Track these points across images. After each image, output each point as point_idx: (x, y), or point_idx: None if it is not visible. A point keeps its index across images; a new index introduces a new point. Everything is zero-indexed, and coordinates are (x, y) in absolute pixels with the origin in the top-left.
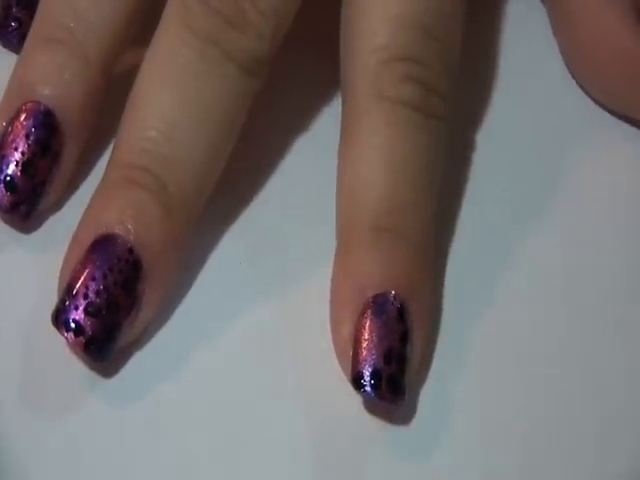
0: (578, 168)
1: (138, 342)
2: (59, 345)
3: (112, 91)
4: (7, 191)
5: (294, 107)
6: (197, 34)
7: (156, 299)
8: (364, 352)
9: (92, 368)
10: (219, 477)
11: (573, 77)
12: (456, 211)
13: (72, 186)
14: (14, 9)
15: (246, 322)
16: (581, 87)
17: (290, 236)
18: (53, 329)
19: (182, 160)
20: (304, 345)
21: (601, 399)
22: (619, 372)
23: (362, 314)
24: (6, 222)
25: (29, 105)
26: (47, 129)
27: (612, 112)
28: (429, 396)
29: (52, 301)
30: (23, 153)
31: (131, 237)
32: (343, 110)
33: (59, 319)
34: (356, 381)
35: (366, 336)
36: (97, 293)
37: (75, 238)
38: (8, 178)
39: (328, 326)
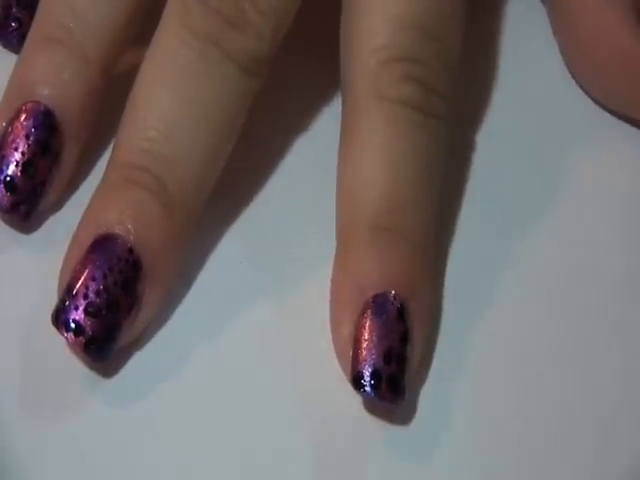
0: (578, 168)
1: (138, 342)
2: (59, 345)
3: (112, 91)
4: (7, 191)
5: (294, 107)
6: (197, 34)
7: (156, 299)
8: (364, 352)
9: (92, 368)
10: (219, 477)
11: (573, 77)
12: (456, 211)
13: (72, 186)
14: (14, 9)
15: (246, 322)
16: (581, 87)
17: (290, 236)
18: (53, 329)
19: (182, 160)
20: (304, 345)
21: (601, 399)
22: (619, 372)
23: (362, 314)
24: (6, 222)
25: (29, 105)
26: (47, 129)
27: (612, 112)
28: (429, 396)
29: (52, 301)
30: (23, 153)
31: (131, 237)
32: (343, 110)
33: (59, 319)
34: (356, 381)
35: (366, 336)
36: (97, 293)
37: (75, 238)
38: (8, 178)
39: (328, 326)
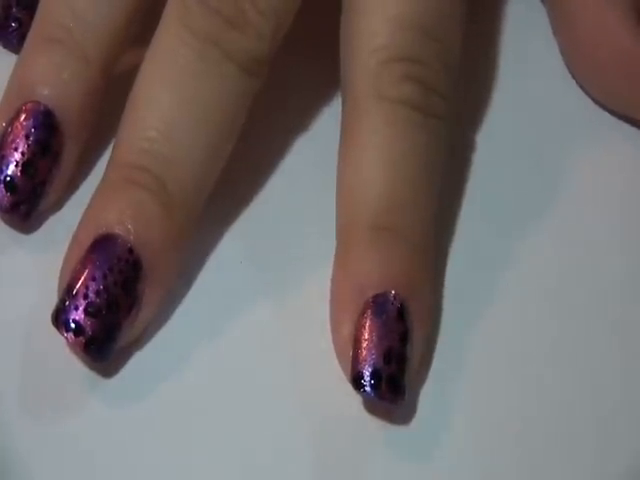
0: (578, 168)
1: (138, 342)
2: (59, 345)
3: (112, 91)
4: (7, 191)
5: (294, 107)
6: (196, 34)
7: (156, 299)
8: (364, 352)
9: (92, 368)
10: (219, 477)
11: (573, 77)
12: (456, 211)
13: (72, 186)
14: (14, 9)
15: (246, 322)
16: (581, 87)
17: (290, 236)
18: (53, 329)
19: (182, 160)
20: (304, 345)
21: (601, 399)
22: (619, 372)
23: (362, 314)
24: (6, 222)
25: (29, 105)
26: (47, 129)
27: (612, 112)
28: (429, 396)
29: (52, 301)
30: (23, 153)
31: (131, 237)
32: (343, 110)
33: (59, 319)
34: (356, 381)
35: (366, 336)
36: (97, 293)
37: (75, 238)
38: (8, 178)
39: (328, 326)
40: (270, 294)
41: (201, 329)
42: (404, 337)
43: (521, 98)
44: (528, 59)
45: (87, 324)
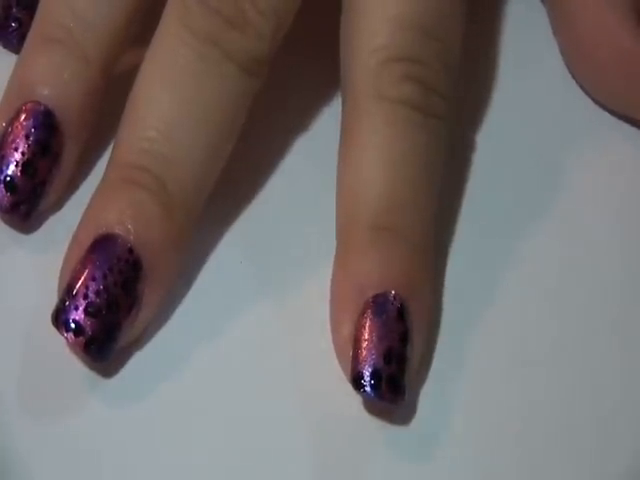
0: (578, 168)
1: (138, 342)
2: (59, 345)
3: (112, 91)
4: (7, 191)
5: (294, 107)
6: (196, 34)
7: (156, 299)
8: (364, 352)
9: (92, 368)
10: (219, 477)
11: (573, 77)
12: (456, 211)
13: (72, 186)
14: (14, 9)
15: (246, 322)
16: (581, 87)
17: (290, 236)
18: (53, 329)
19: (182, 160)
20: (304, 345)
21: (601, 399)
22: (619, 372)
23: (362, 314)
24: (6, 222)
25: (29, 105)
26: (47, 129)
27: (612, 112)
28: (429, 396)
29: (52, 301)
30: (23, 153)
31: (131, 237)
32: (343, 110)
33: (59, 319)
34: (356, 381)
35: (366, 336)
36: (97, 293)
37: (75, 238)
38: (8, 178)
39: (328, 326)
40: (270, 294)
41: (201, 329)
42: (404, 337)
43: (521, 98)
44: (528, 59)
45: (87, 324)
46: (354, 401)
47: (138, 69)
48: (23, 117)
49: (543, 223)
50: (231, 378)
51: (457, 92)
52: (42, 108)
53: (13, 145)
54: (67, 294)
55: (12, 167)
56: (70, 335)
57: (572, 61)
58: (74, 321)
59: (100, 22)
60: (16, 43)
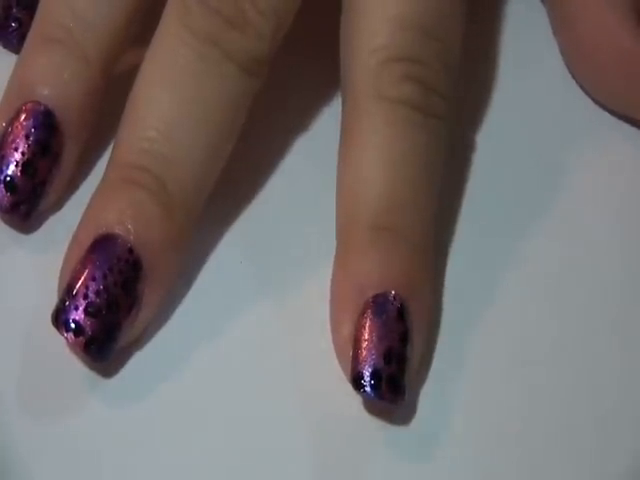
0: (578, 168)
1: (138, 342)
2: (59, 345)
3: (112, 91)
4: (7, 191)
5: (294, 107)
6: (196, 34)
7: (156, 299)
8: (364, 352)
9: (92, 368)
10: (219, 477)
11: (573, 77)
12: (456, 211)
13: (72, 186)
14: (14, 9)
15: (246, 322)
16: (581, 87)
17: (290, 236)
18: (53, 329)
19: (182, 160)
20: (304, 345)
21: (601, 399)
22: (619, 372)
23: (362, 314)
24: (6, 222)
25: (29, 105)
26: (47, 129)
27: (612, 112)
28: (429, 396)
29: (52, 301)
30: (23, 153)
31: (131, 237)
32: (343, 110)
33: (59, 319)
34: (356, 381)
35: (366, 336)
36: (97, 293)
37: (75, 238)
38: (8, 178)
39: (328, 326)
40: (270, 294)
41: (201, 329)
42: (404, 337)
43: (521, 98)
44: (528, 59)
45: (87, 324)
46: (354, 401)
47: (138, 69)
48: (23, 117)
49: (543, 223)
50: (231, 378)
51: (457, 92)
52: (42, 108)
53: (13, 145)
54: (67, 294)
55: (12, 167)
56: (70, 335)
57: (572, 61)
58: (74, 321)
59: (100, 22)
60: (16, 43)
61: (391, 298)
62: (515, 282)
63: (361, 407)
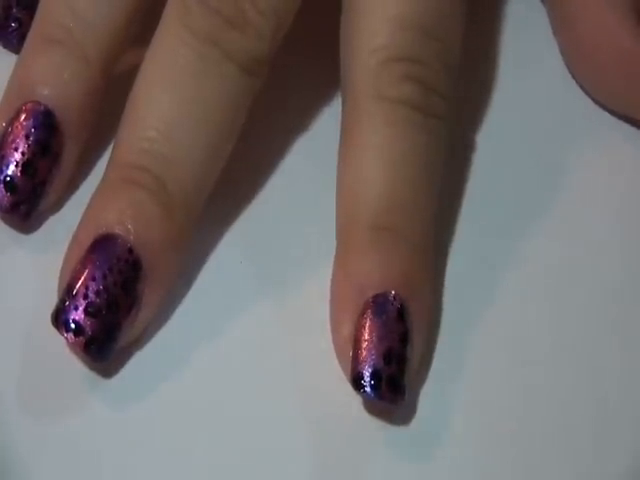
0: (578, 168)
1: (138, 342)
2: (59, 345)
3: (112, 91)
4: (7, 191)
5: (294, 107)
6: (196, 34)
7: (156, 299)
8: (364, 352)
9: (92, 368)
10: (219, 477)
11: (573, 77)
12: (456, 211)
13: (72, 186)
14: (14, 9)
15: (246, 322)
16: (581, 87)
17: (290, 236)
18: (53, 329)
19: (182, 160)
20: (304, 345)
21: (601, 399)
22: (619, 372)
23: (362, 314)
24: (6, 222)
25: (29, 105)
26: (47, 129)
27: (612, 112)
28: (429, 396)
29: (52, 301)
30: (23, 153)
31: (131, 237)
32: (343, 110)
33: (59, 319)
34: (356, 381)
35: (366, 336)
36: (97, 293)
37: (75, 238)
38: (8, 178)
39: (328, 326)
40: (270, 294)
41: (201, 329)
42: (404, 337)
43: (521, 98)
44: (528, 59)
45: (87, 324)
46: (354, 401)
47: (138, 69)
48: (23, 117)
49: (543, 223)
50: (231, 378)
51: (457, 92)
52: (42, 108)
53: (13, 145)
54: (67, 294)
55: (12, 167)
56: (70, 335)
57: (572, 61)
58: (74, 321)
59: (100, 22)
60: (16, 43)
61: (391, 298)
62: (515, 282)
63: (361, 407)
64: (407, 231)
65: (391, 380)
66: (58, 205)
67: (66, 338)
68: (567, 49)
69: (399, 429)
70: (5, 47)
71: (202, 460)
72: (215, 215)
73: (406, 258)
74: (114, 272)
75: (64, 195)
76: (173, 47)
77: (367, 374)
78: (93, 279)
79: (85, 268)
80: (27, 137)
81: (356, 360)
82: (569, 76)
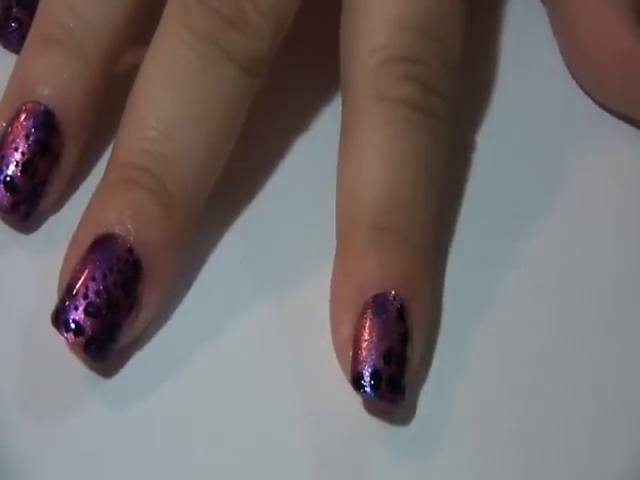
0: (578, 168)
1: (138, 342)
2: (59, 345)
3: (112, 91)
4: (7, 191)
5: (294, 107)
6: (196, 34)
7: (156, 299)
8: (364, 352)
9: (92, 368)
10: (219, 477)
11: (573, 77)
12: (456, 211)
13: (72, 186)
14: (14, 9)
15: (246, 322)
16: (581, 87)
17: (290, 236)
18: (53, 329)
19: (182, 160)
20: (304, 345)
21: (601, 399)
22: (618, 372)
23: (362, 314)
24: (6, 222)
25: (29, 105)
26: (47, 129)
27: (612, 112)
28: (429, 396)
29: (52, 301)
30: (23, 153)
31: (131, 237)
32: (343, 110)
33: (59, 319)
34: (356, 381)
35: (366, 336)
36: (97, 293)
37: (75, 238)
38: (8, 178)
39: (328, 326)
40: (270, 294)
41: (201, 329)
42: (404, 337)
43: (521, 98)
44: (528, 59)
45: (87, 324)
46: (354, 401)
47: (138, 69)
48: (23, 117)
49: (543, 223)
50: (231, 378)
51: (457, 92)
52: (42, 108)
53: (13, 145)
54: (67, 294)
55: (12, 167)
56: (70, 335)
57: (572, 61)
58: (74, 321)
59: (100, 22)
60: (16, 43)
61: (391, 298)
62: (515, 282)
63: (361, 407)
64: (407, 231)
65: (391, 380)
66: (58, 205)
67: (66, 338)
68: (567, 49)
69: (399, 429)
70: (5, 47)
71: (202, 460)
72: (215, 215)
73: (406, 258)
74: (114, 272)
75: (64, 195)
76: (173, 47)
77: (367, 374)
78: (93, 279)
79: (85, 268)
80: (27, 137)
81: (356, 360)
82: (569, 76)
